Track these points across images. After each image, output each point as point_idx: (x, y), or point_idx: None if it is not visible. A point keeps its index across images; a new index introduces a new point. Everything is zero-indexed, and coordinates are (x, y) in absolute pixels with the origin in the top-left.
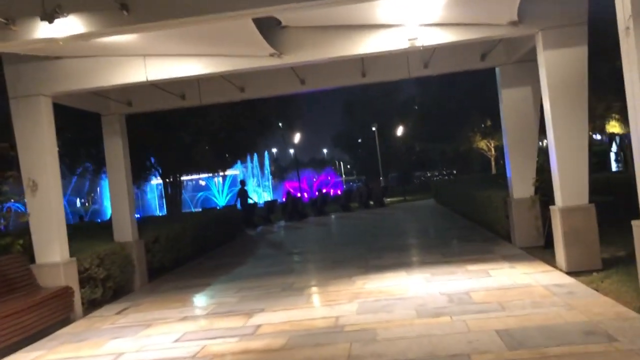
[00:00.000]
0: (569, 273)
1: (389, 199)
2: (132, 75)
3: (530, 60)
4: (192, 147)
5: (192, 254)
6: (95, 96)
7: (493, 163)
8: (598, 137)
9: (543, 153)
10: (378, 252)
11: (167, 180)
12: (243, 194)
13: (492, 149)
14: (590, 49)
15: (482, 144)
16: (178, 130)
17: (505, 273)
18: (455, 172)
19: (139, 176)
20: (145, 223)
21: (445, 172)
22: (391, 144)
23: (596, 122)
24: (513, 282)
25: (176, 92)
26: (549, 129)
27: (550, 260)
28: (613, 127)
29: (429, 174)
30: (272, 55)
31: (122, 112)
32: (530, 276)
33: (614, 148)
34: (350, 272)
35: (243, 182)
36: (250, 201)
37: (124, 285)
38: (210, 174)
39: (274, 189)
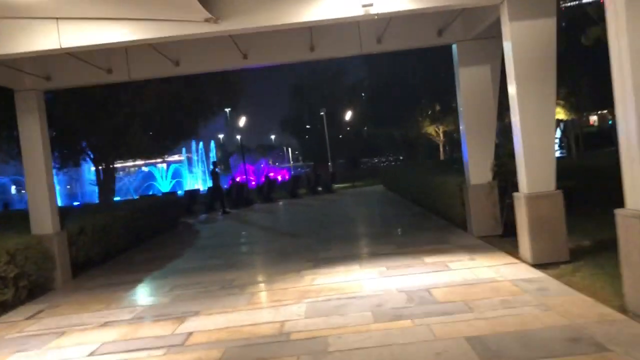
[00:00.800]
0: (535, 265)
1: (337, 185)
2: (42, 41)
3: (490, 37)
4: (125, 129)
5: (124, 245)
6: (6, 68)
7: (441, 149)
8: None
9: (502, 136)
10: (327, 242)
11: (100, 166)
12: (215, 175)
13: (441, 135)
14: None
15: (431, 130)
16: (108, 109)
17: (466, 266)
18: (402, 158)
19: (68, 161)
20: (72, 212)
21: (392, 158)
22: (340, 129)
23: None
24: (476, 276)
25: (102, 65)
26: (514, 109)
27: (512, 251)
28: (558, 113)
29: (376, 160)
30: (207, 20)
31: (40, 88)
32: (494, 269)
33: (558, 134)
34: (298, 266)
35: (215, 164)
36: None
37: (42, 283)
38: (149, 160)
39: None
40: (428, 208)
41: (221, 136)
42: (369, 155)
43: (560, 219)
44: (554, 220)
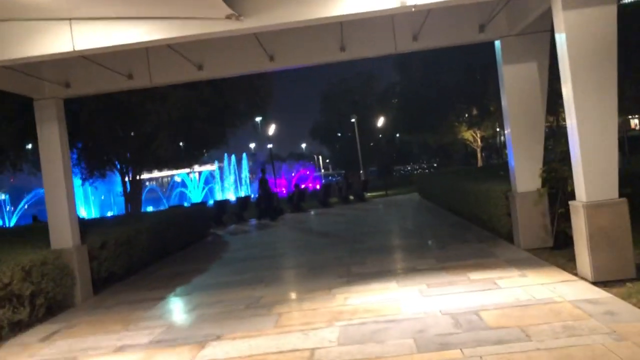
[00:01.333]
0: (596, 283)
1: (369, 194)
2: (54, 44)
3: (537, 31)
4: (151, 138)
5: (149, 259)
6: (25, 76)
7: (479, 155)
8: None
9: (551, 138)
10: (361, 255)
11: (127, 176)
12: (264, 183)
13: (479, 140)
14: None
15: (468, 135)
16: (134, 118)
17: (517, 283)
18: (435, 165)
19: (94, 172)
20: (96, 225)
21: (425, 165)
22: (371, 136)
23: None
24: (530, 296)
25: (122, 70)
26: (570, 109)
27: (566, 266)
28: None
29: (409, 167)
30: (229, 17)
31: (59, 96)
32: (549, 288)
33: None
34: (330, 282)
35: (264, 171)
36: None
37: (61, 300)
38: (176, 170)
39: (252, 185)
40: (468, 218)
41: (252, 145)
42: (401, 162)
43: (625, 230)
44: (618, 232)
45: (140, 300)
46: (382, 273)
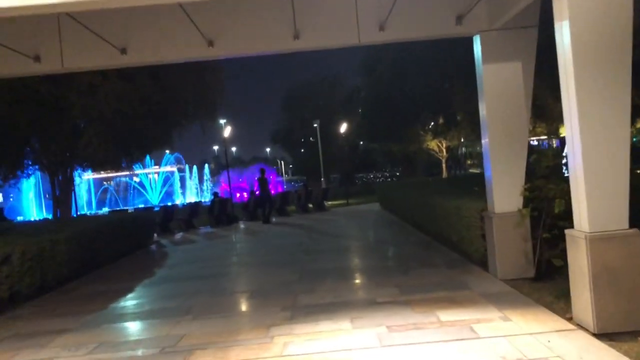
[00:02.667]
0: (600, 336)
1: (330, 202)
2: None
3: (522, 26)
4: (78, 136)
5: (70, 273)
6: None
7: (444, 165)
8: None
9: (535, 152)
10: (312, 279)
11: (54, 176)
12: (263, 182)
13: (444, 150)
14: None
15: (433, 144)
16: (58, 112)
17: (500, 331)
18: (398, 174)
19: (13, 170)
20: (5, 233)
21: (387, 174)
22: (334, 143)
23: (553, 124)
24: (520, 353)
25: (27, 51)
26: (571, 117)
27: (556, 306)
28: None
29: (371, 176)
30: None
31: None
32: (542, 341)
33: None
34: (271, 317)
35: (263, 171)
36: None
37: None
38: (113, 171)
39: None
40: (435, 236)
41: (216, 148)
42: (364, 170)
43: (638, 269)
44: (629, 272)
45: (33, 334)
46: (334, 306)
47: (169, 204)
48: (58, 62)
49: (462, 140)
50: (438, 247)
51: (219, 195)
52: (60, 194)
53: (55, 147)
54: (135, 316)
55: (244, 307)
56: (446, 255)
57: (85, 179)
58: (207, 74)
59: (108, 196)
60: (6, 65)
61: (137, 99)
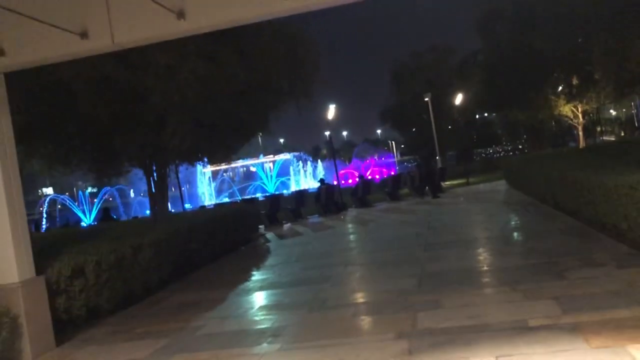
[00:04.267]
0: None
1: (447, 183)
2: None
3: None
4: (161, 126)
5: (160, 280)
6: None
7: (581, 134)
8: None
9: None
10: (434, 287)
11: (148, 172)
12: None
13: (580, 116)
14: None
15: (567, 109)
16: (134, 100)
17: None
18: (521, 147)
19: (107, 170)
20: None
21: (509, 148)
22: (448, 117)
23: None
24: None
25: (72, 26)
26: None
27: None
28: None
29: (490, 151)
30: None
31: None
32: None
33: None
34: (380, 351)
35: (322, 181)
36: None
37: None
38: (244, 161)
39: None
40: (588, 222)
41: (327, 133)
42: (482, 145)
43: None
44: None
45: None
46: (468, 332)
47: (276, 193)
48: (108, 37)
49: (603, 102)
50: (597, 236)
51: (326, 182)
52: (155, 190)
53: (140, 140)
54: (214, 341)
55: (345, 332)
56: (612, 248)
57: (205, 171)
58: (299, 46)
59: (224, 187)
60: (50, 46)
61: (222, 80)
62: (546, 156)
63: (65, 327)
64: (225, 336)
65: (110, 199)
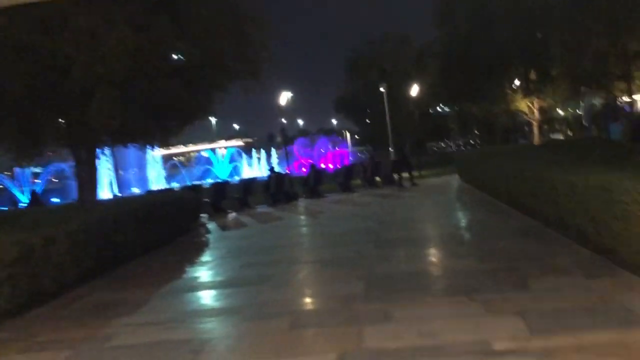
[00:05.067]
0: None
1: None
2: None
3: None
4: (85, 101)
5: (78, 276)
6: None
7: (536, 130)
8: None
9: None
10: (383, 292)
11: (77, 154)
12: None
13: (536, 111)
14: None
15: (523, 105)
16: (53, 70)
17: None
18: (472, 142)
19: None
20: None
21: (461, 143)
22: (403, 109)
23: None
24: None
25: None
26: None
27: None
28: None
29: (443, 144)
30: None
31: None
32: None
33: None
34: None
35: (272, 169)
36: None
37: None
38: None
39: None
40: (545, 221)
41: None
42: (435, 139)
43: None
44: None
45: None
46: (421, 354)
47: (220, 180)
48: None
49: (559, 99)
50: (556, 238)
51: (275, 170)
52: (82, 173)
53: (63, 117)
54: (123, 356)
55: (279, 350)
56: (574, 252)
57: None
58: (245, 22)
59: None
60: None
61: (156, 53)
62: (501, 151)
63: None
64: (137, 350)
65: (55, 180)
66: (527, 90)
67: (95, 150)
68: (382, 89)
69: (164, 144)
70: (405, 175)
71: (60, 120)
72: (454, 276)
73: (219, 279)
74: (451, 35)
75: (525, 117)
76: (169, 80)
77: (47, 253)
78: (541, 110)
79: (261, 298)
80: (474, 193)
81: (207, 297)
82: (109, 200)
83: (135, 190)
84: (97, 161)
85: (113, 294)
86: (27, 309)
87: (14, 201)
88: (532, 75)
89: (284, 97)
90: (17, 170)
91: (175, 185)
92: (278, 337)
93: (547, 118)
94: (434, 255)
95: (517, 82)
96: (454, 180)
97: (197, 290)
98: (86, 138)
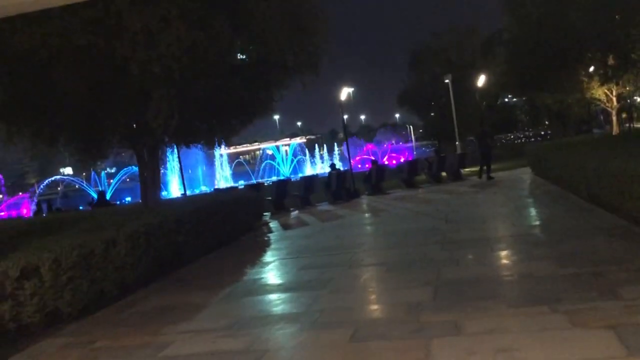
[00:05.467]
0: None
1: (467, 169)
2: None
3: None
4: (144, 102)
5: (139, 278)
6: None
7: (615, 119)
8: None
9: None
10: (453, 302)
11: (139, 154)
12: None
13: (614, 100)
14: None
15: (600, 92)
16: (113, 71)
17: None
18: (543, 133)
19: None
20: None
21: (531, 134)
22: (470, 101)
23: None
24: None
25: None
26: None
27: None
28: None
29: (511, 137)
30: None
31: None
32: None
33: None
34: None
35: (333, 166)
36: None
37: None
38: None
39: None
40: (636, 219)
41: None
42: (502, 131)
43: None
44: None
45: None
46: None
47: (282, 178)
48: None
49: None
50: None
51: (335, 167)
52: (147, 174)
53: (125, 118)
54: None
55: None
56: None
57: (222, 153)
58: (305, 14)
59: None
60: None
61: (213, 50)
62: (577, 142)
63: (16, 338)
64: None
65: (128, 180)
66: (605, 77)
67: (157, 151)
68: (447, 81)
69: (228, 143)
70: (470, 169)
71: (121, 121)
72: (532, 282)
73: (278, 282)
74: (521, 21)
75: (602, 105)
76: (229, 79)
77: (107, 256)
78: (619, 97)
79: (321, 304)
80: (548, 188)
81: (265, 302)
82: (172, 200)
83: (204, 189)
84: (163, 161)
85: (173, 297)
86: (87, 312)
87: (90, 201)
88: (611, 61)
89: (345, 93)
90: (92, 172)
91: (241, 182)
92: (338, 352)
93: (627, 105)
94: (507, 257)
95: (591, 69)
96: (525, 173)
97: (256, 295)
98: (147, 139)
